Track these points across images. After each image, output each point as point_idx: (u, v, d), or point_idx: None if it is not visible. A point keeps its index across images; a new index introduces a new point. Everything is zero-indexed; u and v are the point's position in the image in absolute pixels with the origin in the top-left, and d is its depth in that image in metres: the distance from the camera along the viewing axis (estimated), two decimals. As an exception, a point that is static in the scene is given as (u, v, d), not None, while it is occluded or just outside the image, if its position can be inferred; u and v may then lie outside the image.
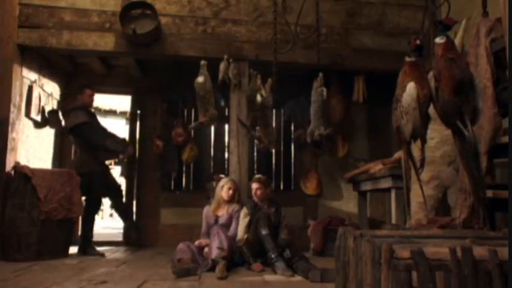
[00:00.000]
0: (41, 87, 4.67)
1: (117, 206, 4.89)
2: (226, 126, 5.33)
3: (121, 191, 4.91)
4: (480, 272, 1.44)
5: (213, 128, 5.66)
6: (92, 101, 4.66)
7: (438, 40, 2.22)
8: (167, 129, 5.44)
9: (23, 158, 4.21)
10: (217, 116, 4.38)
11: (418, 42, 2.25)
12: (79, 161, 4.46)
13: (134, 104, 5.74)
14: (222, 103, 5.19)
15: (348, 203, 5.51)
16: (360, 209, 4.91)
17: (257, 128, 4.25)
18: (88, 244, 4.36)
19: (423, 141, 2.33)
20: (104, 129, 4.58)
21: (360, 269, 1.72)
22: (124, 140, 4.81)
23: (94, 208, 4.51)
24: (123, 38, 4.24)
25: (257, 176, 4.10)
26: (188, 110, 5.72)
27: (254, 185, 3.94)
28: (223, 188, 3.98)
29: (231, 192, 3.97)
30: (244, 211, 3.83)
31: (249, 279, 3.15)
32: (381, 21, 4.64)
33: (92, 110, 4.77)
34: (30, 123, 4.48)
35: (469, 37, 2.80)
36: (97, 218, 4.75)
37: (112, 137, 4.55)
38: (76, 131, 4.40)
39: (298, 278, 3.19)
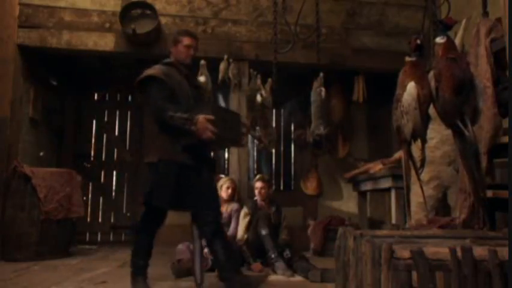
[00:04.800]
0: (41, 86, 4.66)
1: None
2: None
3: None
4: (480, 272, 1.44)
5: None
6: (189, 55, 2.87)
7: (439, 40, 2.22)
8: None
9: (23, 158, 4.20)
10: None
11: (418, 42, 2.25)
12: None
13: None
14: (222, 103, 5.17)
15: (348, 203, 5.50)
16: (360, 209, 4.91)
17: (257, 128, 4.24)
18: None
19: (424, 141, 2.33)
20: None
21: (360, 269, 1.72)
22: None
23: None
24: (123, 38, 4.24)
25: (260, 175, 4.09)
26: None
27: (258, 184, 3.93)
28: (222, 188, 3.98)
29: (229, 191, 3.97)
30: (244, 211, 3.83)
31: (249, 279, 3.14)
32: (381, 21, 4.64)
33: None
34: (30, 123, 4.47)
35: (469, 37, 2.80)
36: None
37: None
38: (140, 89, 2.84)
39: (298, 278, 3.18)
